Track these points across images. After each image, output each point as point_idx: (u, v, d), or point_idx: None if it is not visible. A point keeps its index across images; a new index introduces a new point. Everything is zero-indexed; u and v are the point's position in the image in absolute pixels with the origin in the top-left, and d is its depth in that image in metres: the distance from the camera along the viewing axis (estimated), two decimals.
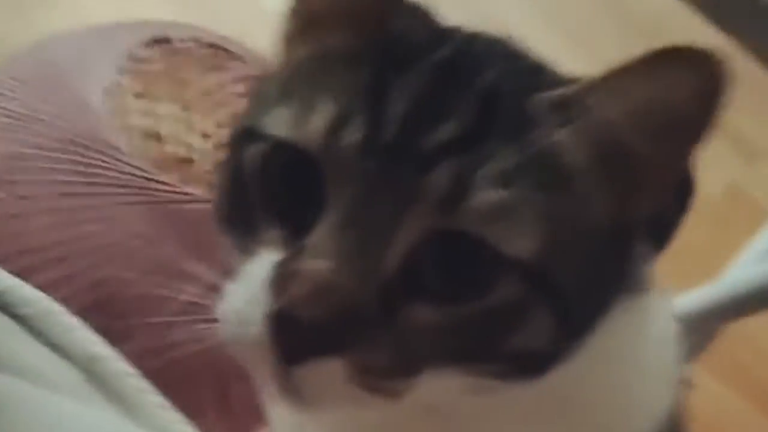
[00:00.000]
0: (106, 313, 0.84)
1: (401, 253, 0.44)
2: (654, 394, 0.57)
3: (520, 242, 0.44)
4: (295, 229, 0.46)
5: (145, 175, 0.86)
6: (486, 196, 0.43)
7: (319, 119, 0.45)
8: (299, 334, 0.43)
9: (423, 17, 0.52)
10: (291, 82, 0.50)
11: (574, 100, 0.46)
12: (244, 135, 0.50)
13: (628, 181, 0.47)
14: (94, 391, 0.53)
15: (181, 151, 1.01)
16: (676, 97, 0.44)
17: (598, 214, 0.47)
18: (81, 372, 0.53)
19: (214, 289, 0.75)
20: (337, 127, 0.45)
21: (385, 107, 0.45)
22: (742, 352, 1.60)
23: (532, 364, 0.47)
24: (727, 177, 1.54)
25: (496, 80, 0.47)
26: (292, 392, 0.45)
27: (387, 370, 0.44)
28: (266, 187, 0.48)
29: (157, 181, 0.86)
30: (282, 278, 0.44)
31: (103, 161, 0.86)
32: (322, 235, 0.44)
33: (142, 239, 0.83)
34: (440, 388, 0.46)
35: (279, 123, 0.47)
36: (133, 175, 0.85)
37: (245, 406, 0.89)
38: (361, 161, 0.44)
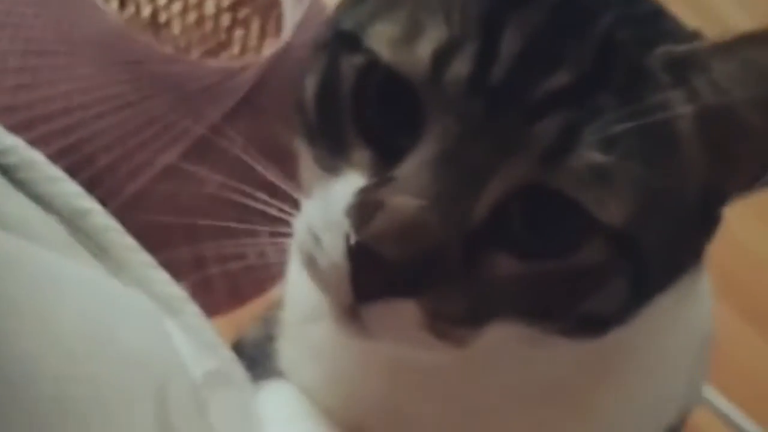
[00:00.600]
0: (79, 180, 0.82)
1: (492, 202, 0.42)
2: (676, 390, 0.58)
3: (614, 209, 0.42)
4: (387, 154, 0.44)
5: (123, 32, 0.82)
6: (589, 157, 0.41)
7: (427, 45, 0.42)
8: (377, 271, 0.41)
9: None
10: None
11: (695, 60, 0.44)
12: (343, 39, 0.47)
13: (730, 154, 0.45)
14: (79, 245, 0.52)
15: (147, 12, 0.98)
16: None
17: (694, 185, 0.45)
18: (65, 226, 0.52)
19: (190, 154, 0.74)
20: (444, 56, 0.42)
21: (499, 43, 0.42)
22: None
23: (597, 325, 0.46)
24: None
25: (612, 26, 0.44)
26: (356, 325, 0.44)
27: (460, 318, 0.43)
28: (360, 105, 0.45)
29: (135, 41, 0.82)
30: (367, 208, 0.42)
31: (77, 17, 0.82)
32: (413, 169, 0.42)
33: (119, 100, 0.80)
34: (503, 338, 0.46)
35: (382, 39, 0.44)
36: (110, 32, 0.81)
37: (225, 287, 0.90)
38: (466, 98, 0.42)
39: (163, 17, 1.00)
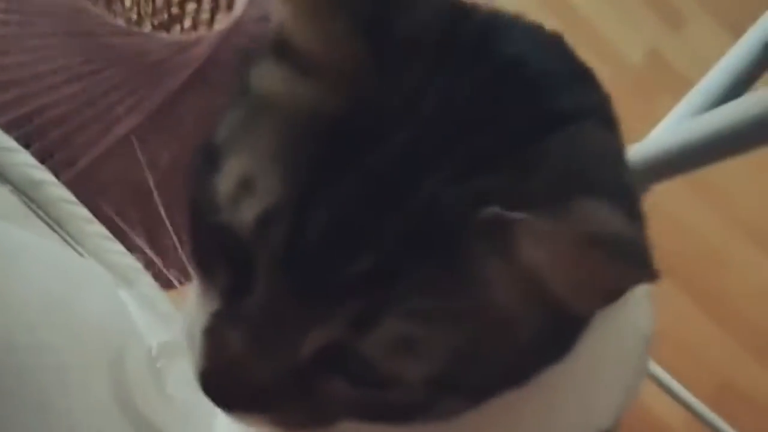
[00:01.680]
0: (32, 152, 0.82)
1: (312, 350, 0.43)
2: (610, 399, 0.58)
3: (417, 368, 0.43)
4: (240, 285, 0.44)
5: (75, 3, 0.81)
6: (392, 329, 0.42)
7: (250, 209, 0.41)
8: (224, 391, 0.44)
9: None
10: (252, 118, 0.44)
11: (507, 230, 0.41)
12: (208, 158, 0.44)
13: (558, 307, 0.44)
14: (34, 216, 0.52)
15: None
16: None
17: (523, 327, 0.44)
18: (19, 197, 0.52)
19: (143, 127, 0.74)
20: (265, 222, 0.41)
21: (310, 213, 0.41)
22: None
23: (472, 400, 0.47)
24: (648, 43, 1.56)
25: (434, 194, 0.41)
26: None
27: (307, 424, 0.46)
28: (216, 238, 0.44)
29: (88, 12, 0.82)
30: (212, 335, 0.43)
31: None
32: (248, 309, 0.43)
33: (72, 72, 0.80)
34: (363, 426, 0.47)
35: (220, 189, 0.43)
36: (62, 3, 0.80)
37: (178, 259, 0.90)
38: (283, 264, 0.41)
39: None
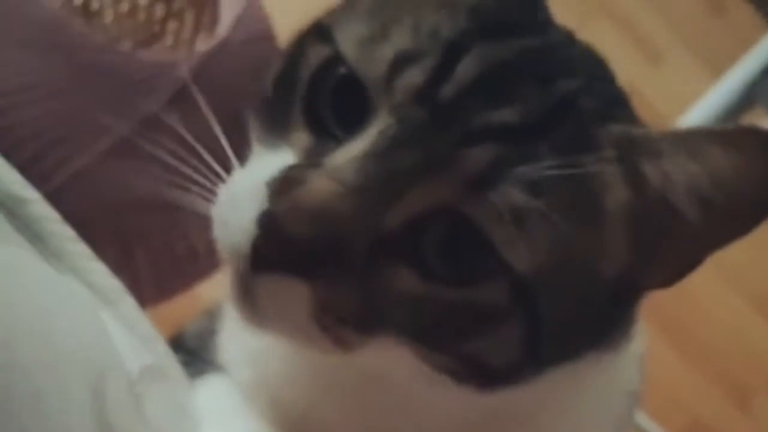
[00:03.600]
0: None
1: (410, 212, 0.42)
2: None
3: (522, 254, 0.42)
4: (324, 142, 0.45)
5: (57, 17, 0.80)
6: (511, 196, 0.42)
7: (389, 50, 0.44)
8: (280, 243, 0.41)
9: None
10: None
11: (648, 144, 0.45)
12: (317, 31, 0.48)
13: (655, 251, 0.46)
14: (17, 234, 0.50)
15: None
16: (749, 179, 0.43)
17: (608, 264, 0.46)
18: (3, 213, 0.50)
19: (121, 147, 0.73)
20: (402, 63, 0.43)
21: (456, 65, 0.43)
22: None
23: (484, 375, 0.46)
24: (627, 79, 1.57)
25: (576, 91, 0.45)
26: (249, 301, 0.44)
27: (348, 316, 0.43)
28: (313, 92, 0.46)
29: (69, 27, 0.80)
30: (288, 182, 0.42)
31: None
32: (345, 158, 0.42)
33: (50, 87, 0.78)
34: (390, 362, 0.46)
35: (350, 37, 0.45)
36: (44, 17, 0.79)
37: (152, 280, 0.88)
38: (411, 106, 0.42)
39: (95, 5, 0.98)
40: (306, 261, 0.42)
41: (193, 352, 0.62)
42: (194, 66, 0.90)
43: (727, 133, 0.44)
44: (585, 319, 0.47)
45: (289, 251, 0.41)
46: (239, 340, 0.59)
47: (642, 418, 1.33)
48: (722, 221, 0.45)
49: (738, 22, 1.82)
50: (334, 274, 0.42)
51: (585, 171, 0.43)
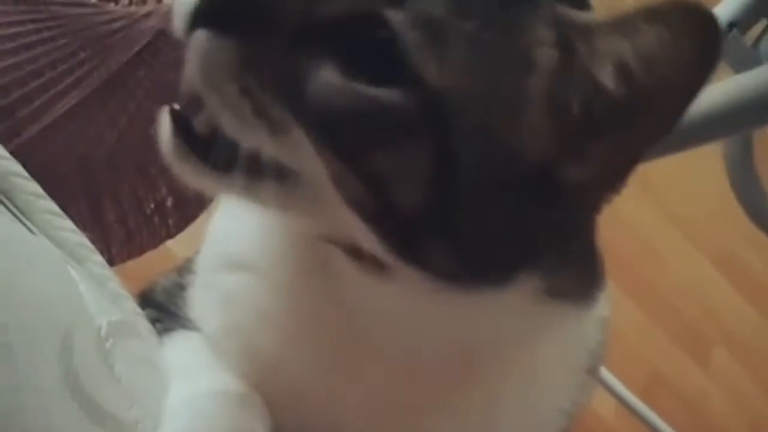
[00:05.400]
0: None
1: (340, 9, 0.44)
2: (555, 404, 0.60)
3: (434, 67, 0.43)
4: None
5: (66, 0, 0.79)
6: (433, 7, 0.43)
7: None
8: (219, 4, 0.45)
9: None
10: None
11: (583, 26, 0.46)
12: None
13: (577, 130, 0.46)
14: None
15: None
16: (673, 56, 0.43)
17: (529, 141, 0.46)
18: None
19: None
20: None
21: None
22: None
23: (395, 221, 0.46)
24: None
25: None
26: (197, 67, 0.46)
27: (268, 85, 0.45)
28: None
29: (83, 5, 0.79)
30: None
31: None
32: None
33: (20, 40, 0.77)
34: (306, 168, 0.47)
35: None
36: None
37: (121, 236, 0.88)
38: None
39: None
40: (238, 22, 0.44)
41: (163, 307, 0.62)
42: (162, 18, 0.89)
43: (658, 7, 0.43)
44: (509, 209, 0.47)
45: (225, 8, 0.45)
46: (213, 289, 0.59)
47: (603, 373, 1.35)
48: (645, 102, 0.44)
49: None
50: (261, 41, 0.45)
51: (520, 25, 0.45)
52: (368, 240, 0.47)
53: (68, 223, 0.54)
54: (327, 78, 0.44)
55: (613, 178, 0.47)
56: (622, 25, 0.44)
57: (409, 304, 0.51)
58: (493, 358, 0.55)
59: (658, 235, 1.95)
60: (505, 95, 0.45)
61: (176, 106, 0.48)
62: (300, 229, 0.53)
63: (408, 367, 0.54)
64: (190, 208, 0.91)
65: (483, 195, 0.46)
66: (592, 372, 0.62)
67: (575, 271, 0.55)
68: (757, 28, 1.03)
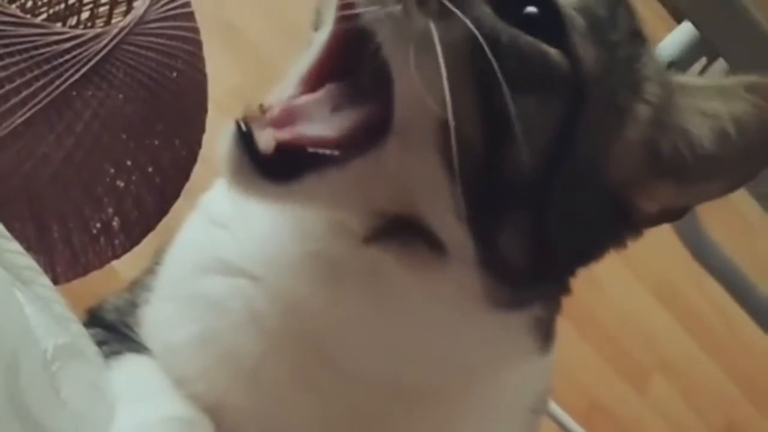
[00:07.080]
0: None
1: None
2: None
3: (588, 48, 0.48)
4: None
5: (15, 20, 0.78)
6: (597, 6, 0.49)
7: None
8: None
9: None
10: None
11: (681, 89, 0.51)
12: None
13: (662, 173, 0.51)
14: None
15: None
16: (754, 125, 0.49)
17: (616, 164, 0.50)
18: None
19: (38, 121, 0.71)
20: None
21: None
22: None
23: (501, 179, 0.48)
24: None
25: None
26: None
27: None
28: None
29: (31, 25, 0.78)
30: None
31: None
32: None
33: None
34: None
35: None
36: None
37: (67, 256, 0.87)
38: None
39: None
40: None
41: (111, 327, 0.61)
42: (112, 42, 0.89)
43: (758, 82, 0.49)
44: (587, 206, 0.51)
45: None
46: (182, 298, 0.58)
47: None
48: (733, 160, 0.50)
49: None
50: None
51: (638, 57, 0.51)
52: (441, 210, 0.48)
53: (15, 245, 0.53)
54: (477, 12, 0.47)
55: (671, 216, 0.53)
56: (725, 91, 0.50)
57: (441, 307, 0.52)
58: (473, 382, 0.56)
59: (601, 266, 1.98)
60: (615, 109, 0.50)
61: (242, 122, 0.47)
62: (338, 219, 0.53)
63: (388, 391, 0.54)
64: (137, 229, 0.90)
65: (576, 194, 0.49)
66: (538, 413, 0.64)
67: (557, 308, 0.57)
68: (695, 67, 1.07)
